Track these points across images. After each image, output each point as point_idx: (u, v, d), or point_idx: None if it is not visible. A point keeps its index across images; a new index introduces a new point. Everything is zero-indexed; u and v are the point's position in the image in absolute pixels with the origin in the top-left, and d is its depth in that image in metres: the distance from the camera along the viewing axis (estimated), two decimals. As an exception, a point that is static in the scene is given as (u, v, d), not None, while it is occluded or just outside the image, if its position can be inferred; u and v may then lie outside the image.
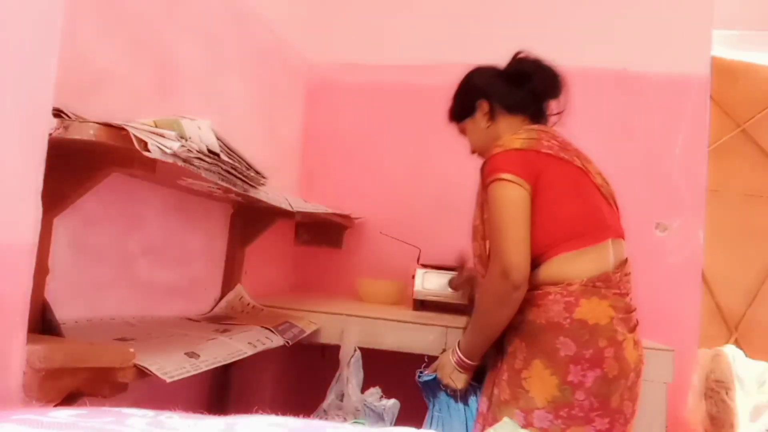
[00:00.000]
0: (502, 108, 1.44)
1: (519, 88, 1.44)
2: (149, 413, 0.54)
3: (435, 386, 1.39)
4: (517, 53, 1.49)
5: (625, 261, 1.34)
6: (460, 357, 1.32)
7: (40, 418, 0.50)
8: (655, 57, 2.21)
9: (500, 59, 2.27)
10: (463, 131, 1.54)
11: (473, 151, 1.53)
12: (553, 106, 1.48)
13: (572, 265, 1.25)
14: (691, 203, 2.14)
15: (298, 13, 2.31)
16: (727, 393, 2.03)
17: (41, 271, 0.95)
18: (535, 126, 1.39)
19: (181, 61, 1.54)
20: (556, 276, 1.24)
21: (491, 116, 1.45)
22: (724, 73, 2.37)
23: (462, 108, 1.51)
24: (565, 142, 1.37)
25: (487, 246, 1.31)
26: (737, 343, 2.28)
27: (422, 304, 1.95)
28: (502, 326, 1.26)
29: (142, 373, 0.95)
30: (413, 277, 1.97)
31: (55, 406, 0.80)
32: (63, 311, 1.09)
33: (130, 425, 0.50)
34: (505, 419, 1.21)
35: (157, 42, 1.44)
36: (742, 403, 2.03)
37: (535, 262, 1.26)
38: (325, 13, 2.46)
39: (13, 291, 0.73)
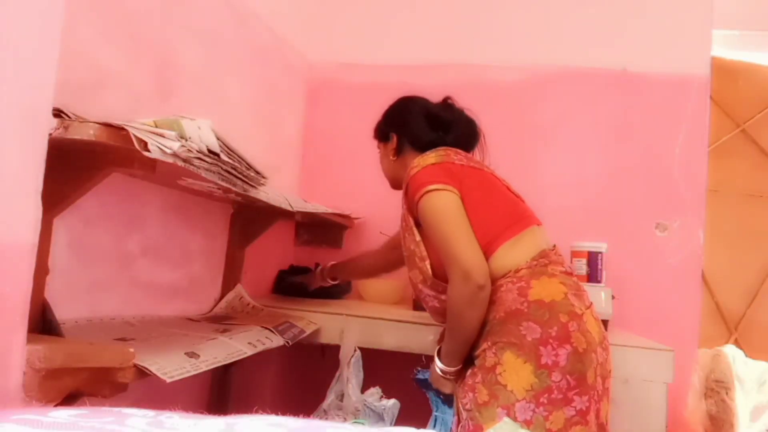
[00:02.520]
0: (411, 146, 1.51)
1: (433, 131, 1.50)
2: (149, 413, 0.54)
3: (430, 385, 1.40)
4: (446, 98, 1.56)
5: (554, 246, 1.38)
6: (441, 367, 1.33)
7: (40, 418, 0.50)
8: (655, 57, 2.21)
9: (500, 59, 2.29)
10: (379, 148, 1.63)
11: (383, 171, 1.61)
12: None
13: (512, 254, 1.28)
14: (691, 203, 2.14)
15: (298, 13, 2.31)
16: (727, 393, 2.03)
17: (41, 271, 0.95)
18: (441, 148, 1.43)
19: (181, 61, 1.54)
20: (502, 268, 1.27)
21: (398, 151, 1.53)
22: (724, 73, 2.37)
23: (380, 130, 1.60)
24: (468, 155, 1.45)
25: (428, 266, 1.33)
26: (737, 343, 2.28)
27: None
28: (476, 328, 1.26)
29: (142, 373, 0.95)
30: (413, 277, 1.97)
31: (55, 406, 0.80)
32: (63, 311, 1.09)
33: (130, 425, 0.50)
34: (505, 419, 1.21)
35: (157, 42, 1.44)
36: (742, 403, 2.03)
37: None
38: (325, 13, 2.46)
39: (13, 291, 0.73)
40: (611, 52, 2.25)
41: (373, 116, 2.46)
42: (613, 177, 2.20)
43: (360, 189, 2.35)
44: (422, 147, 1.47)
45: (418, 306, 1.95)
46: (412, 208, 1.35)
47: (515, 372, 1.18)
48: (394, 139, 1.53)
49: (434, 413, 1.39)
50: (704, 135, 2.18)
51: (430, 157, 1.37)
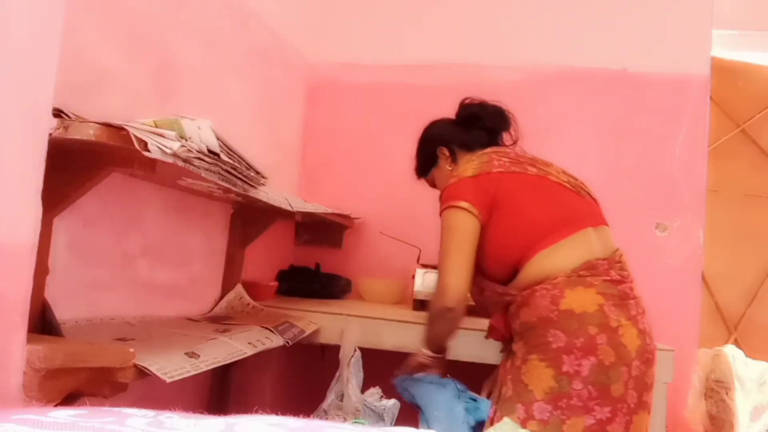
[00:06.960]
0: (461, 148, 1.53)
1: (472, 128, 1.54)
2: (149, 413, 0.54)
3: (413, 382, 1.42)
4: (463, 100, 1.59)
5: (616, 249, 1.37)
6: (423, 350, 1.43)
7: (40, 418, 0.50)
8: (655, 57, 2.21)
9: (500, 59, 2.29)
10: (432, 184, 1.62)
11: None
12: (507, 138, 1.58)
13: (552, 261, 1.29)
14: (691, 203, 2.14)
15: (298, 13, 2.31)
16: (727, 393, 2.03)
17: (41, 271, 0.95)
18: (488, 149, 1.46)
19: (181, 61, 1.54)
20: (539, 274, 1.29)
21: (453, 159, 1.54)
22: (724, 73, 2.36)
23: (426, 161, 1.61)
24: (517, 155, 1.45)
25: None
26: (737, 343, 2.28)
27: (422, 304, 1.95)
28: (445, 337, 1.41)
29: (142, 373, 0.95)
30: (413, 277, 1.97)
31: (55, 406, 0.80)
32: (63, 311, 1.09)
33: (130, 425, 0.50)
34: (505, 419, 1.22)
35: (157, 42, 1.44)
36: (742, 403, 2.03)
37: (517, 267, 1.32)
38: (325, 13, 2.46)
39: (13, 291, 0.73)
40: (611, 52, 2.24)
41: (373, 116, 2.45)
42: (613, 177, 2.20)
43: (360, 189, 2.35)
44: (472, 144, 1.51)
45: (418, 306, 1.96)
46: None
47: (537, 374, 1.23)
48: (445, 150, 1.54)
49: (420, 413, 1.41)
50: (704, 135, 2.18)
51: (472, 164, 1.39)
